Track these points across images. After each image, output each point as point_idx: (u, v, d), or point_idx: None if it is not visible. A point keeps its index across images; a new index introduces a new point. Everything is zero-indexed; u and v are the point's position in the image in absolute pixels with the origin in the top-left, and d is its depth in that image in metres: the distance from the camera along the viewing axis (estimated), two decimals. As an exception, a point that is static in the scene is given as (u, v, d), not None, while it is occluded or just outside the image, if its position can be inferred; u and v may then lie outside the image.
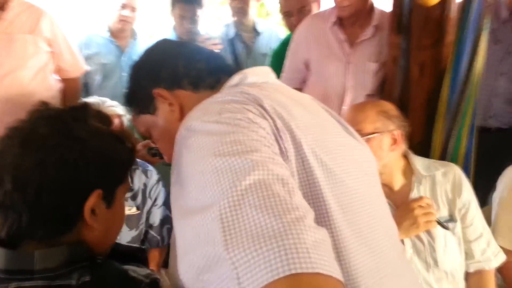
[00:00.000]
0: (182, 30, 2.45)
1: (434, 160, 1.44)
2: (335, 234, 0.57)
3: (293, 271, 0.42)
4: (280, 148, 0.58)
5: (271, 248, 0.43)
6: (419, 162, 1.34)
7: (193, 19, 2.41)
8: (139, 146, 1.81)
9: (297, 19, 2.07)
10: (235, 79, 0.74)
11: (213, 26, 2.78)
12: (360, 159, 0.71)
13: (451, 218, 1.28)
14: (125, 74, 2.58)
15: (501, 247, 1.33)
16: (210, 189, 0.51)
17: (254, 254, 0.44)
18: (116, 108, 1.66)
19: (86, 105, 0.74)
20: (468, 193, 1.30)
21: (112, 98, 1.76)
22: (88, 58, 2.34)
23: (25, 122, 0.68)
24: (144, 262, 0.80)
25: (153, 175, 1.71)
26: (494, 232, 1.37)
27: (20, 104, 1.76)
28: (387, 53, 1.69)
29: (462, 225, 1.28)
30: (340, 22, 1.81)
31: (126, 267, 0.70)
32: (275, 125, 0.59)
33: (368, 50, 1.77)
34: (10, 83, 1.79)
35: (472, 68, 1.47)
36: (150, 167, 1.73)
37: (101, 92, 2.29)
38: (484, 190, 1.96)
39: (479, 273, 1.30)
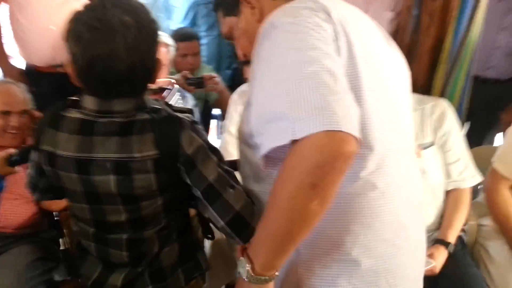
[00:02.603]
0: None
1: (427, 96, 1.67)
2: (365, 111, 0.77)
3: (327, 128, 0.64)
4: (336, 46, 0.76)
5: (317, 115, 0.65)
6: (413, 97, 1.57)
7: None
8: (178, 76, 2.08)
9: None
10: None
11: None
12: (394, 64, 0.91)
13: (432, 143, 1.53)
14: (161, 15, 2.81)
15: (497, 171, 1.52)
16: (281, 71, 0.72)
17: (306, 116, 0.66)
18: (164, 38, 1.90)
19: None
20: (450, 124, 1.53)
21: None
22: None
23: None
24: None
25: (190, 100, 1.99)
26: (496, 158, 1.55)
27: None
28: (402, 3, 1.89)
29: (443, 149, 1.53)
30: (363, -27, 1.99)
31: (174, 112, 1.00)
32: (335, 29, 0.77)
33: (387, 0, 1.96)
34: (67, 11, 1.99)
35: (473, 21, 1.67)
36: (188, 94, 2.01)
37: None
38: (480, 133, 2.21)
39: (456, 190, 1.56)
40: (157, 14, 2.75)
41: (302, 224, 0.69)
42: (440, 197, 1.57)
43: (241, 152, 0.95)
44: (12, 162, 1.23)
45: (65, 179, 0.99)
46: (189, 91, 2.06)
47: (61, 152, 0.97)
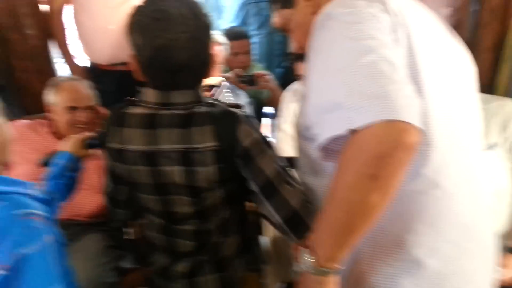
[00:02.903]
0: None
1: (491, 95, 1.59)
2: (426, 105, 0.75)
3: (386, 118, 0.63)
4: (395, 37, 0.75)
5: (376, 104, 0.65)
6: None
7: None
8: (231, 74, 2.12)
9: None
10: None
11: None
12: (457, 58, 0.88)
13: (497, 145, 1.45)
14: (212, 14, 2.87)
15: None
16: (338, 61, 0.72)
17: (364, 106, 0.65)
18: (218, 36, 1.95)
19: None
20: None
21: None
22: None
23: None
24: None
25: (243, 98, 2.03)
26: None
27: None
28: (460, -2, 1.83)
29: (510, 151, 1.46)
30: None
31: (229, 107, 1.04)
32: (393, 20, 0.76)
33: (443, -4, 1.91)
34: (125, 11, 2.08)
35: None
36: (240, 91, 2.05)
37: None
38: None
39: None
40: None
41: (362, 216, 0.68)
42: (507, 201, 1.48)
43: (299, 145, 0.96)
44: (87, 144, 1.28)
45: (135, 173, 1.04)
46: (241, 88, 2.10)
47: (129, 147, 1.01)
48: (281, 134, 1.98)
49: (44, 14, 2.09)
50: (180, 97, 0.99)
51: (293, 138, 2.02)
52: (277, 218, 0.97)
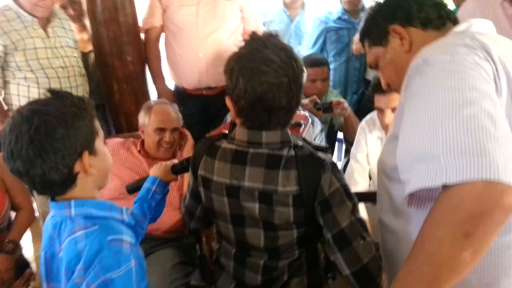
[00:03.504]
0: None
1: None
2: None
3: (485, 178, 0.62)
4: (497, 87, 0.73)
5: (474, 162, 0.63)
6: None
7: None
8: (307, 101, 2.18)
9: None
10: (463, 26, 0.89)
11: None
12: None
13: None
14: (292, 40, 2.97)
15: None
16: (436, 110, 0.70)
17: (461, 161, 0.64)
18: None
19: None
20: None
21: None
22: (264, 25, 2.75)
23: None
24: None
25: (318, 125, 2.06)
26: None
27: (218, 58, 2.23)
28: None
29: None
30: (512, -3, 1.84)
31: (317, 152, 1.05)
32: (496, 69, 0.74)
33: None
34: (213, 40, 2.25)
35: None
36: (316, 119, 2.09)
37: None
38: None
39: None
40: (289, 40, 2.92)
41: (451, 272, 0.66)
42: None
43: (381, 183, 0.95)
44: (175, 171, 1.38)
45: (216, 202, 1.10)
46: (317, 115, 2.14)
47: (216, 178, 1.08)
48: (355, 164, 1.99)
49: (142, 41, 2.32)
50: (270, 137, 1.02)
51: (365, 169, 2.02)
52: (346, 269, 0.99)
